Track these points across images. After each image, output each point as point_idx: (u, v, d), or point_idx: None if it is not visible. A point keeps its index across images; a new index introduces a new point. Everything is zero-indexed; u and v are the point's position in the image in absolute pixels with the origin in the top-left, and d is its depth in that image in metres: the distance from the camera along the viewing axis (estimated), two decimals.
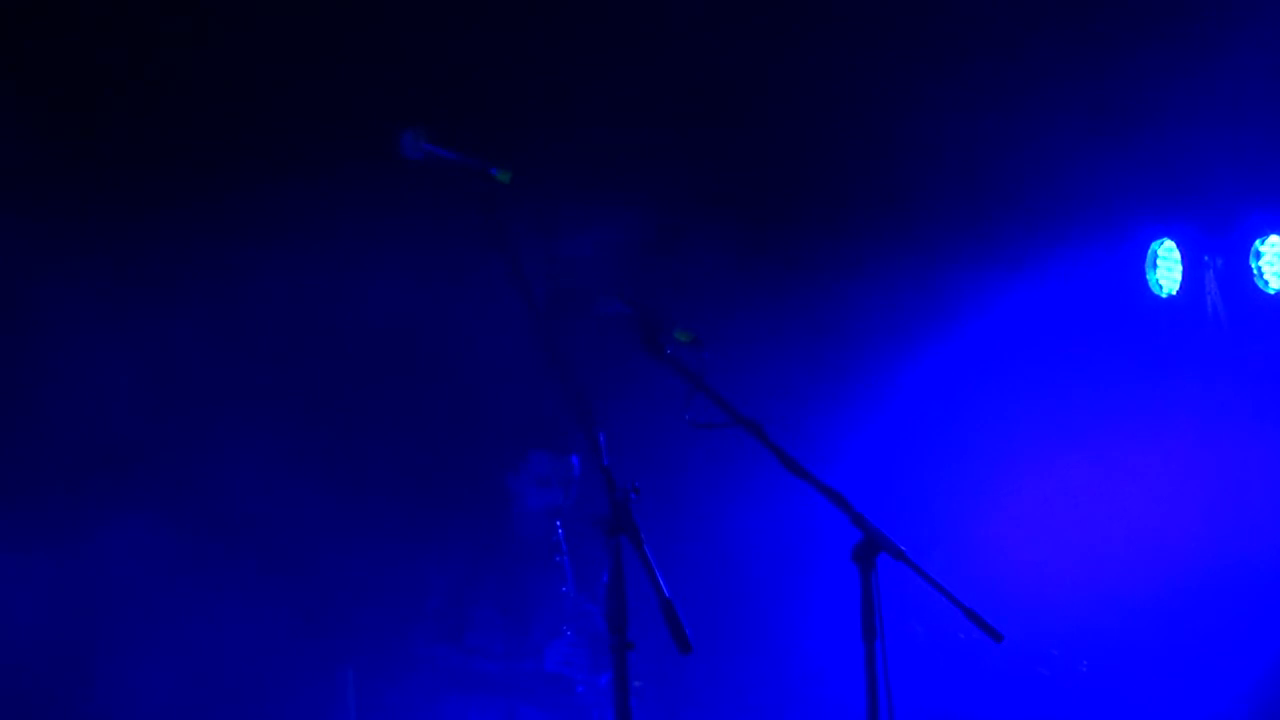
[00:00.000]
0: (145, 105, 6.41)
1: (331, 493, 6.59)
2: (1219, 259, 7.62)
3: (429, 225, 6.24)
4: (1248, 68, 6.97)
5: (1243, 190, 7.41)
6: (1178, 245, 7.64)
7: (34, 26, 6.28)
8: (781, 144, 7.33)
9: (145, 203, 6.38)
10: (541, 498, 6.34)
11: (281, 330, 6.58)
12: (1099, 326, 7.64)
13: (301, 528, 6.60)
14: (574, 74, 6.94)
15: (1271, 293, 7.48)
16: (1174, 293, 7.65)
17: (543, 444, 6.34)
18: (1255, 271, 7.50)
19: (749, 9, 7.09)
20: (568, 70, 6.92)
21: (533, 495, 6.36)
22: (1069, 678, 6.77)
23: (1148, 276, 7.67)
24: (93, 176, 6.35)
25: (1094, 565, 7.44)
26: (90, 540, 6.34)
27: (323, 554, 6.67)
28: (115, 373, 6.37)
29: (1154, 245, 7.66)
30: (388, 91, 6.44)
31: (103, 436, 6.41)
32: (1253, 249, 7.50)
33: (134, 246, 6.36)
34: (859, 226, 7.36)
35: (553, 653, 6.25)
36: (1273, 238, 7.46)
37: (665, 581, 3.78)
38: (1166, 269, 7.66)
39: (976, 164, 7.35)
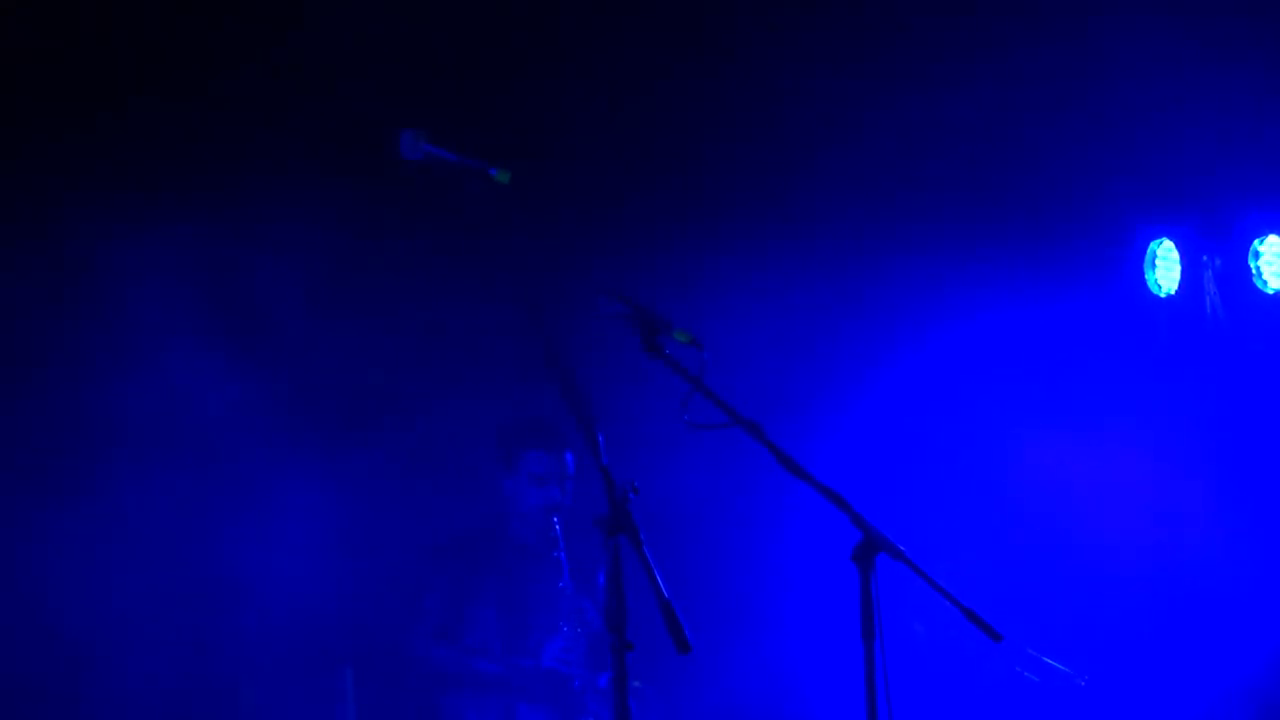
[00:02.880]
0: (145, 105, 6.41)
1: (329, 492, 6.60)
2: (1218, 259, 7.61)
3: (426, 225, 6.24)
4: (1247, 68, 6.96)
5: (1242, 190, 7.41)
6: (1176, 245, 7.64)
7: (33, 26, 6.28)
8: (777, 141, 7.32)
9: (144, 203, 6.38)
10: (539, 495, 6.35)
11: (278, 329, 6.58)
12: (1098, 326, 7.63)
13: (299, 527, 6.60)
14: (572, 74, 6.94)
15: (1270, 293, 7.47)
16: (1173, 293, 7.64)
17: (535, 443, 6.35)
18: (1254, 271, 7.49)
19: (743, 6, 7.10)
20: (566, 70, 6.93)
21: (531, 494, 6.36)
22: (1065, 687, 6.76)
23: (1147, 276, 7.66)
24: (92, 175, 6.34)
25: (1092, 567, 7.44)
26: (89, 537, 6.35)
27: (321, 553, 6.67)
28: (114, 368, 6.37)
29: (1153, 245, 7.65)
30: (388, 91, 6.44)
31: (102, 430, 6.41)
32: (1252, 249, 7.49)
33: (134, 246, 6.36)
34: (860, 227, 7.36)
35: (550, 649, 6.26)
36: (1271, 238, 7.45)
37: (664, 581, 3.78)
38: (1165, 269, 7.65)
39: (975, 163, 7.34)
